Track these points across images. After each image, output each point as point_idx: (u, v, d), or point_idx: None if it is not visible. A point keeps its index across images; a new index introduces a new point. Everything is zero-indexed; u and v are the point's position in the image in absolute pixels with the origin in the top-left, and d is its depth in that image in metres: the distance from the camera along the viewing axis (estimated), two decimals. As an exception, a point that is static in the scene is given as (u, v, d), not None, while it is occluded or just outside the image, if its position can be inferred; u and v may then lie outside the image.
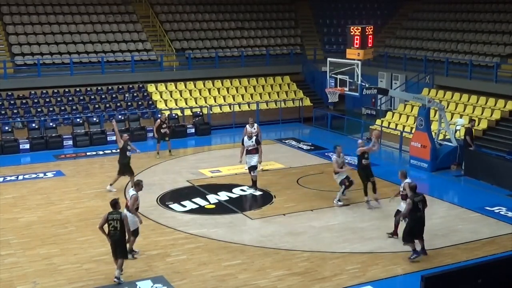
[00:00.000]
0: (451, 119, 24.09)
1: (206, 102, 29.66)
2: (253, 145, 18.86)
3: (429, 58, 28.90)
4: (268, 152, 23.87)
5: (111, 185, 19.09)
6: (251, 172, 18.92)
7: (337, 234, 15.54)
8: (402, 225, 14.82)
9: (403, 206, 14.54)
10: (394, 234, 15.13)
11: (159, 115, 24.53)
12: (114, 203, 12.94)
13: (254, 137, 19.07)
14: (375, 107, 30.21)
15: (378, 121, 26.97)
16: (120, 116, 26.84)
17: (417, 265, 13.65)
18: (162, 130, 23.15)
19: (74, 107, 27.36)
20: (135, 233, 13.87)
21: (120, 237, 12.78)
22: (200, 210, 17.33)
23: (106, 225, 12.83)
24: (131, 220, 13.52)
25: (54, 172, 21.25)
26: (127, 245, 13.31)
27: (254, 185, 19.02)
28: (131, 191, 14.23)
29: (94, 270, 13.46)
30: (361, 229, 15.83)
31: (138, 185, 14.30)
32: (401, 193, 14.94)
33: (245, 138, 19.09)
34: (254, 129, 20.95)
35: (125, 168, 18.99)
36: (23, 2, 31.32)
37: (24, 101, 27.22)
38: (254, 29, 34.95)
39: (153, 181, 20.00)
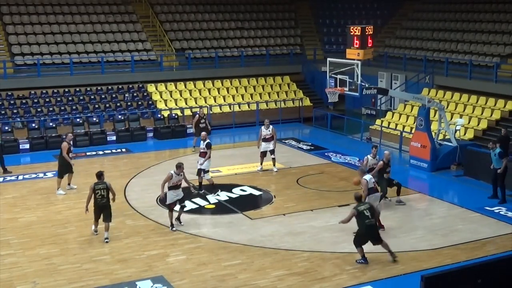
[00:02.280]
0: (451, 119, 24.09)
1: (206, 102, 29.65)
2: (203, 148, 18.75)
3: (429, 58, 28.90)
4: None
5: (69, 184, 19.31)
6: (202, 175, 18.75)
7: (337, 234, 15.52)
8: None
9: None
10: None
11: (198, 111, 25.77)
12: (100, 175, 14.98)
13: (207, 141, 18.84)
14: (375, 107, 30.21)
15: (378, 121, 26.96)
16: (120, 116, 26.85)
17: (417, 265, 13.65)
18: (201, 125, 24.07)
19: (74, 107, 27.36)
20: (170, 206, 15.71)
21: (107, 203, 14.90)
22: (200, 210, 17.33)
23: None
24: (169, 197, 15.60)
25: (54, 172, 21.15)
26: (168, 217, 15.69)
27: (200, 187, 18.84)
28: (171, 171, 15.75)
29: (93, 270, 13.46)
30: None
31: (179, 168, 15.77)
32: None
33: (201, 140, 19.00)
34: (269, 131, 20.94)
35: (66, 168, 19.02)
36: (23, 2, 31.33)
37: (24, 101, 27.22)
38: (254, 29, 34.95)
39: (153, 181, 19.98)
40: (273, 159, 21.18)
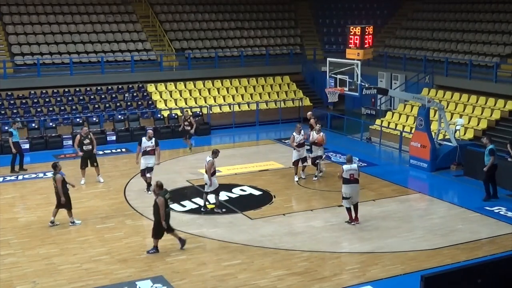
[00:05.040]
0: (451, 119, 24.09)
1: (205, 102, 29.65)
2: (152, 146, 18.55)
3: (429, 58, 28.90)
4: (268, 152, 23.91)
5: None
6: (147, 174, 18.61)
7: (336, 234, 15.54)
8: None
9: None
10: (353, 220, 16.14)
11: (184, 112, 25.61)
12: (54, 166, 16.05)
13: (154, 139, 18.71)
14: (375, 107, 30.21)
15: (378, 121, 26.96)
16: (119, 116, 26.85)
17: (417, 265, 13.65)
18: (185, 127, 24.05)
19: (73, 107, 27.36)
20: (217, 191, 17.01)
21: (57, 192, 15.78)
22: (200, 210, 17.32)
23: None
24: (215, 183, 16.76)
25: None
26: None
27: (148, 187, 18.67)
28: (208, 158, 16.79)
29: (93, 270, 13.46)
30: (361, 229, 15.83)
31: (215, 153, 16.92)
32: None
33: (144, 139, 18.63)
34: (302, 135, 20.01)
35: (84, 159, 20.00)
36: (23, 2, 31.32)
37: (23, 101, 27.22)
38: (254, 29, 34.95)
39: (153, 181, 19.97)
40: (304, 166, 20.33)
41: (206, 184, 17.02)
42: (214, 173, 16.86)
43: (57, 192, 15.79)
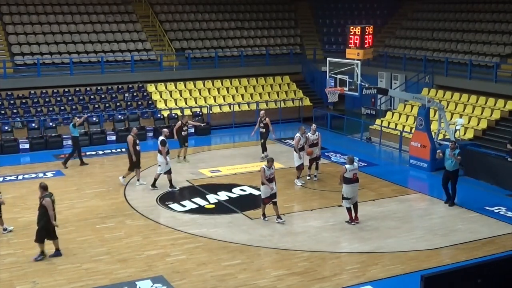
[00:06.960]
0: (451, 119, 24.09)
1: (206, 102, 29.65)
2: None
3: (429, 58, 28.90)
4: (268, 152, 23.89)
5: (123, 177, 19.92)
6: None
7: (336, 234, 15.54)
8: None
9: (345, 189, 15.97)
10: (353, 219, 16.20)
11: (181, 117, 24.26)
12: None
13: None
14: (375, 107, 30.22)
15: (378, 121, 26.96)
16: (119, 116, 26.84)
17: (417, 265, 13.66)
18: (183, 133, 22.47)
19: (73, 107, 27.35)
20: (264, 201, 16.21)
21: None
22: (200, 210, 17.33)
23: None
24: (263, 191, 16.04)
25: (54, 172, 21.24)
26: None
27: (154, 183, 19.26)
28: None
29: (93, 270, 13.46)
30: (361, 229, 15.84)
31: (268, 161, 16.28)
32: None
33: (165, 139, 19.04)
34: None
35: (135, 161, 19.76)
36: (23, 2, 31.32)
37: (23, 101, 27.21)
38: (254, 29, 34.95)
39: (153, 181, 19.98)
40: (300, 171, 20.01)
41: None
42: (268, 180, 15.88)
43: None
